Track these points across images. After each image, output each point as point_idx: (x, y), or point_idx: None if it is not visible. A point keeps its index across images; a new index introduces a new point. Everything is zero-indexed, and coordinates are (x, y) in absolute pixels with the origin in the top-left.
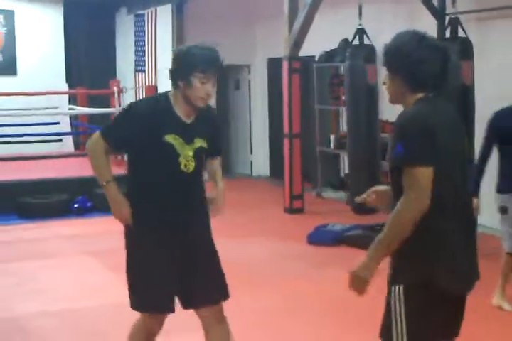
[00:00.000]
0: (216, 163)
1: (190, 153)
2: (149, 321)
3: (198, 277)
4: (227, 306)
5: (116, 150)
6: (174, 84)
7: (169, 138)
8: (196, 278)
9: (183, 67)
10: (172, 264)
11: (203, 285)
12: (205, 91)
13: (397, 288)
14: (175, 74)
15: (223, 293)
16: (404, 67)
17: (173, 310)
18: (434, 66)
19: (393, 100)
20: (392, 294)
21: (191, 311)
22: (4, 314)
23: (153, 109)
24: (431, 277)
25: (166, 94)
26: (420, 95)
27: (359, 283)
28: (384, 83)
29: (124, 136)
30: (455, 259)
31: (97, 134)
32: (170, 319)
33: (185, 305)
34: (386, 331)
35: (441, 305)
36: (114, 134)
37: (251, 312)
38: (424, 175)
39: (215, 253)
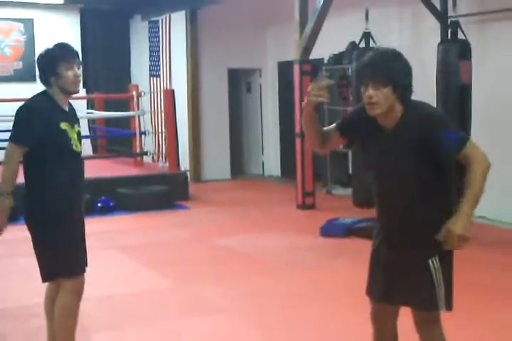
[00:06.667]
0: None
1: (75, 136)
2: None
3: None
4: (248, 291)
5: (30, 148)
6: (47, 83)
7: (63, 125)
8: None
9: (48, 65)
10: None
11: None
12: (73, 75)
13: (434, 260)
14: (45, 74)
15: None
16: (409, 82)
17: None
18: None
19: (384, 110)
20: (432, 267)
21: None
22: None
23: (44, 104)
24: None
25: (45, 91)
26: (404, 101)
27: (464, 241)
28: (371, 98)
29: (34, 133)
30: None
31: (11, 145)
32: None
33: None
34: (429, 301)
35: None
36: (26, 135)
37: (268, 297)
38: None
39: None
